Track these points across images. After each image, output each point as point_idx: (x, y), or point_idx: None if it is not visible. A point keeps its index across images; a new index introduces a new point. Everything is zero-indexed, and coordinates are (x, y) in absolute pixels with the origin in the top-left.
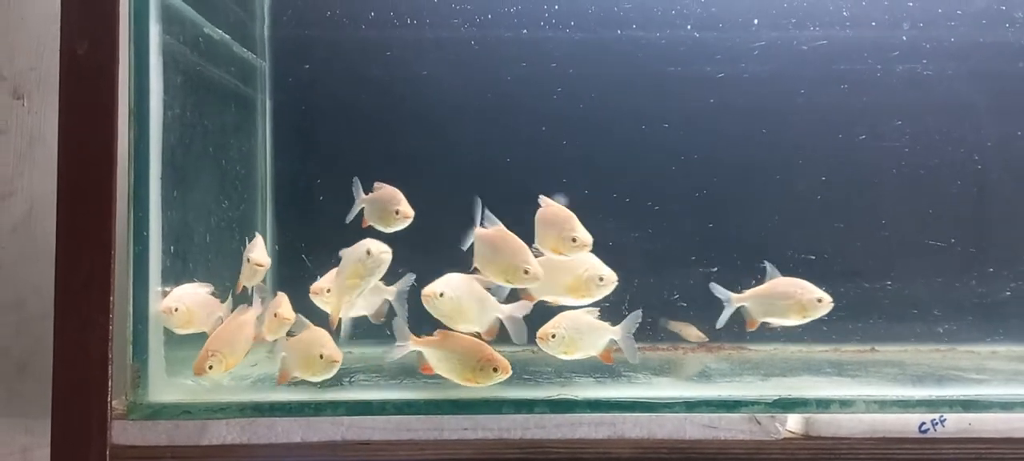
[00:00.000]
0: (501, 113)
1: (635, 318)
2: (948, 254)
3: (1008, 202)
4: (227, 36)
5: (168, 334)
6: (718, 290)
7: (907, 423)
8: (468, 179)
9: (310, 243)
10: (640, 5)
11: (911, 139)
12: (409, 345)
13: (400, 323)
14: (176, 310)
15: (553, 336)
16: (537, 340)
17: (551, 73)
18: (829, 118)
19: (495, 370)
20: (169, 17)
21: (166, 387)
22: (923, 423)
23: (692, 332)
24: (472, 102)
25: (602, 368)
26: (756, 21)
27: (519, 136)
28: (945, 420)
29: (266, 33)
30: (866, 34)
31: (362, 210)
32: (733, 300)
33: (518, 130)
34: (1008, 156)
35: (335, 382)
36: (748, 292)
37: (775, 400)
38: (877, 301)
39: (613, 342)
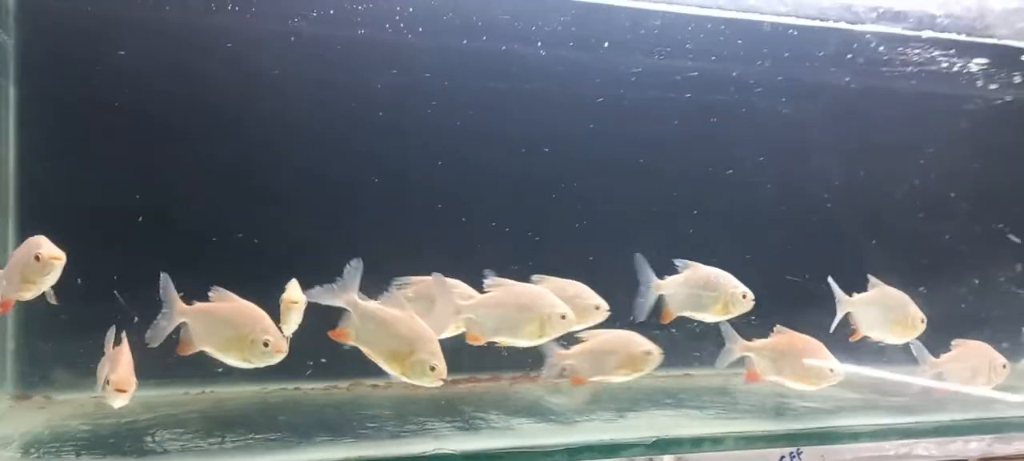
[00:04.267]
0: (330, 121)
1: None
2: (803, 289)
3: (854, 241)
4: None
5: None
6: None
7: (767, 457)
8: (276, 196)
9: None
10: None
11: (772, 175)
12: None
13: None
14: None
15: None
16: None
17: (426, 83)
18: (700, 149)
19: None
20: None
21: None
22: (782, 456)
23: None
24: (283, 107)
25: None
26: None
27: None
28: (801, 453)
29: (12, 2)
30: (732, 69)
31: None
32: None
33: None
34: (852, 196)
35: (136, 449)
36: None
37: (654, 442)
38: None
39: None
